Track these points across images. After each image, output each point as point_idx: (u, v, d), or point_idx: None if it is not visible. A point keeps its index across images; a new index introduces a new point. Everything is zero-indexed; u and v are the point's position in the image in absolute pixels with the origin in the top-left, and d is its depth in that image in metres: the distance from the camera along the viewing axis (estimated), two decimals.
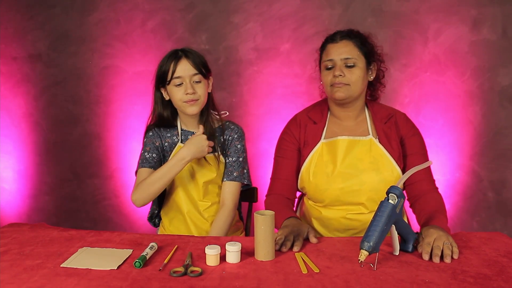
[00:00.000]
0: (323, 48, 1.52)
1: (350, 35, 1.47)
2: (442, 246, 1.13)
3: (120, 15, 2.50)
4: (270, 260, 1.13)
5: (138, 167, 1.59)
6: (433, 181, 1.49)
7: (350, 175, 1.45)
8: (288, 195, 1.54)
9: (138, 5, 2.48)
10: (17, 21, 2.59)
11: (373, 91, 1.57)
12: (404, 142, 1.50)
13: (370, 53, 1.48)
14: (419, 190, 1.45)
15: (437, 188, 1.47)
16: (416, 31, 2.33)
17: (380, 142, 1.48)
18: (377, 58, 1.53)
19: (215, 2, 2.44)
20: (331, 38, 1.48)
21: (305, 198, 1.61)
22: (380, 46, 1.54)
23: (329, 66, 1.46)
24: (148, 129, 1.65)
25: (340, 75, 1.42)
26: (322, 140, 1.51)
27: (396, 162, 1.46)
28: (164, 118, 1.62)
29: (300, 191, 1.61)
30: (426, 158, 1.50)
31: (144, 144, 1.63)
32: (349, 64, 1.44)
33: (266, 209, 1.51)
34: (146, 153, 1.59)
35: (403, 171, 1.47)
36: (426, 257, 1.12)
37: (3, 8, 2.59)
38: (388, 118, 1.52)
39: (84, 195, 2.68)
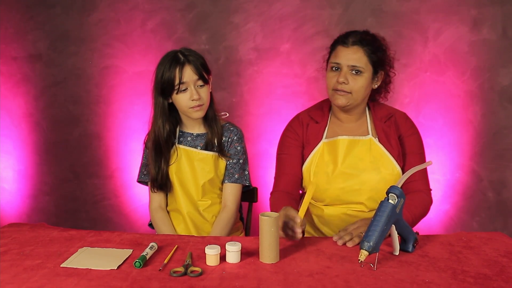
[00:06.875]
0: (333, 47, 1.48)
1: (363, 41, 1.42)
2: (353, 233, 1.26)
3: (120, 15, 2.50)
4: None
5: (139, 178, 1.68)
6: (428, 182, 1.49)
7: (350, 175, 1.45)
8: (292, 191, 1.52)
9: (138, 5, 2.48)
10: (17, 21, 2.59)
11: (373, 95, 1.54)
12: (402, 141, 1.50)
13: (379, 61, 1.45)
14: (412, 188, 1.46)
15: (430, 190, 1.48)
16: (416, 31, 2.33)
17: (379, 141, 1.48)
18: (387, 63, 1.50)
19: (215, 2, 2.43)
20: (343, 40, 1.44)
21: None
22: (393, 51, 1.51)
23: (335, 68, 1.44)
24: (146, 145, 1.65)
25: (344, 83, 1.41)
26: (323, 140, 1.51)
27: (396, 161, 1.46)
28: (164, 138, 1.57)
29: (301, 190, 1.60)
30: (423, 158, 1.50)
31: (144, 156, 1.67)
32: (355, 71, 1.42)
33: (270, 206, 1.50)
34: (145, 167, 1.66)
35: (403, 170, 1.48)
36: (337, 240, 1.25)
37: (3, 8, 2.59)
38: (388, 117, 1.51)
39: (84, 195, 2.68)
